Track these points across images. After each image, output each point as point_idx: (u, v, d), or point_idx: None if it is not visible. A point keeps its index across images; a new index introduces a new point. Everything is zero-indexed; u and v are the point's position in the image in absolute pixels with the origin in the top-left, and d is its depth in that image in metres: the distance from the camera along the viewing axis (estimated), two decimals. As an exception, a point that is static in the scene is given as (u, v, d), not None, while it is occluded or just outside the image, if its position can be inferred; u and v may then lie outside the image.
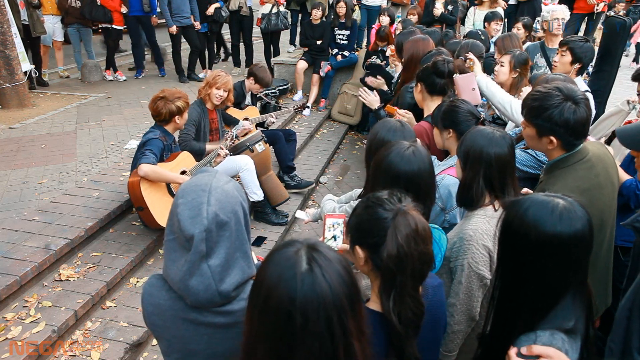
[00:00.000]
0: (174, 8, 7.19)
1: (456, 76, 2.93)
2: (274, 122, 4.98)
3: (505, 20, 6.61)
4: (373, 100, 3.43)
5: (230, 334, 1.30)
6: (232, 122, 4.58)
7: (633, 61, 11.74)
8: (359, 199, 1.97)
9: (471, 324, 1.85)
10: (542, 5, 7.41)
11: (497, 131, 1.89)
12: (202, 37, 7.85)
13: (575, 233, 1.24)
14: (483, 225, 1.81)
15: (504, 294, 1.38)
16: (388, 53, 5.22)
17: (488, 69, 3.90)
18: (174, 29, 7.26)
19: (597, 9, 7.91)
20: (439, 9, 6.78)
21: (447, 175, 2.23)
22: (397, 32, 5.80)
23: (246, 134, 4.31)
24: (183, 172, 3.59)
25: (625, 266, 1.97)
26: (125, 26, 7.46)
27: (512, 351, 1.24)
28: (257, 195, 4.22)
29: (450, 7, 6.85)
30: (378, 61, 5.73)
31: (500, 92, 2.95)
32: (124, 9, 7.20)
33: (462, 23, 7.19)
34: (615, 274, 2.25)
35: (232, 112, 4.80)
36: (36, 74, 6.94)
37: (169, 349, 1.38)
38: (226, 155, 3.81)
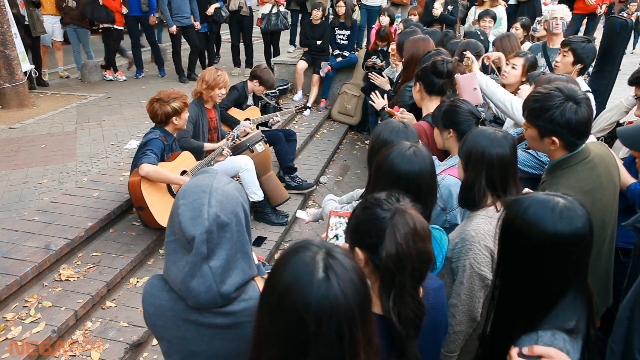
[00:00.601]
0: (174, 8, 7.19)
1: (457, 76, 2.93)
2: (279, 122, 4.97)
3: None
4: (380, 102, 3.45)
5: (231, 334, 1.30)
6: (233, 122, 4.57)
7: None
8: (360, 199, 1.97)
9: (473, 325, 1.85)
10: (542, 6, 7.41)
11: (499, 131, 1.88)
12: (202, 37, 7.85)
13: (575, 232, 1.24)
14: (485, 226, 1.81)
15: (504, 294, 1.38)
16: (390, 50, 5.21)
17: (485, 69, 3.90)
18: (174, 28, 7.26)
19: (599, 12, 7.91)
20: (438, 9, 6.78)
21: (448, 175, 2.22)
22: (398, 32, 5.79)
23: (247, 134, 4.31)
24: (184, 172, 3.59)
25: (625, 267, 1.97)
26: (125, 26, 7.46)
27: (514, 351, 1.24)
28: (257, 195, 4.22)
29: (450, 7, 6.85)
30: (378, 61, 5.72)
31: (500, 91, 2.95)
32: (124, 10, 7.20)
33: (462, 23, 7.19)
34: (616, 274, 2.25)
35: (234, 112, 4.79)
36: (36, 74, 6.94)
37: (170, 349, 1.37)
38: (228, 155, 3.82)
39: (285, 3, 7.96)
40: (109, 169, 4.41)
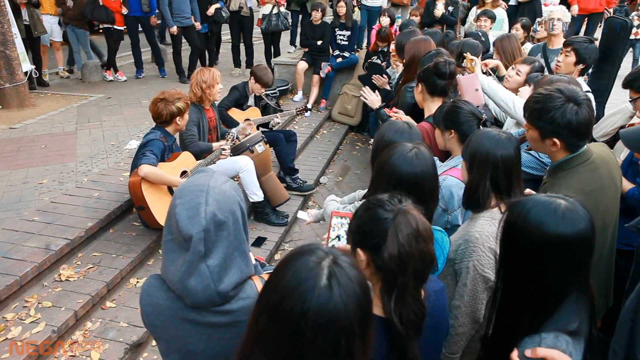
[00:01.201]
0: (174, 8, 7.20)
1: (459, 77, 2.93)
2: (279, 123, 4.96)
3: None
4: (374, 100, 3.43)
5: (229, 333, 1.30)
6: (231, 124, 4.57)
7: None
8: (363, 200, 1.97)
9: (475, 327, 1.84)
10: (543, 7, 7.41)
11: (503, 133, 1.88)
12: (203, 38, 7.84)
13: (577, 233, 1.23)
14: (489, 228, 1.81)
15: (506, 295, 1.37)
16: (391, 51, 5.21)
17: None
18: (174, 29, 7.26)
19: (608, 15, 7.90)
20: (439, 9, 6.78)
21: (449, 176, 2.22)
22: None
23: (246, 134, 4.30)
24: (184, 172, 3.59)
25: (623, 269, 1.97)
26: (125, 27, 7.46)
27: (514, 354, 1.23)
28: (257, 195, 4.22)
29: (450, 8, 6.85)
30: (379, 62, 5.72)
31: (502, 90, 2.95)
32: (124, 10, 7.19)
33: (463, 24, 7.19)
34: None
35: (234, 113, 4.79)
36: (36, 74, 6.93)
37: (168, 349, 1.37)
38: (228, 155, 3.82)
39: (285, 4, 7.96)
40: (109, 169, 4.41)
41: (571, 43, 3.43)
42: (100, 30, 7.58)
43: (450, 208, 2.16)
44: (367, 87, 3.58)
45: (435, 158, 2.04)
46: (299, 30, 7.97)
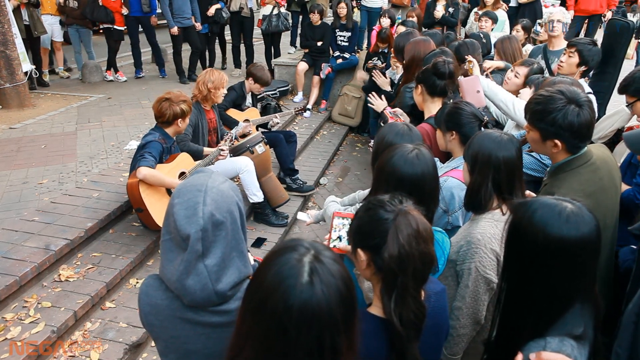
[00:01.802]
0: (175, 9, 7.19)
1: (460, 78, 2.92)
2: (278, 124, 4.96)
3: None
4: (380, 104, 3.43)
5: (227, 333, 1.28)
6: (231, 123, 4.57)
7: None
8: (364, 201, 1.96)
9: (476, 328, 1.84)
10: (543, 8, 7.42)
11: (504, 135, 1.88)
12: (203, 38, 7.84)
13: (582, 237, 1.23)
14: (491, 229, 1.80)
15: (510, 297, 1.37)
16: (391, 52, 5.21)
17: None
18: (175, 29, 7.26)
19: (605, 18, 7.91)
20: (440, 11, 6.79)
21: (450, 177, 2.22)
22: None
23: (246, 135, 4.30)
24: (182, 174, 3.58)
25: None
26: (125, 27, 7.46)
27: (519, 357, 1.22)
28: (257, 196, 4.21)
29: (451, 10, 6.85)
30: (379, 63, 5.72)
31: (502, 92, 2.95)
32: (124, 10, 7.19)
33: (463, 25, 7.20)
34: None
35: (233, 113, 4.79)
36: (36, 74, 6.93)
37: (166, 349, 1.37)
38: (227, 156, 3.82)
39: (286, 4, 7.96)
40: (109, 170, 4.40)
41: (575, 44, 3.42)
42: (101, 31, 7.57)
43: (451, 209, 2.16)
44: (373, 92, 3.58)
45: (436, 159, 2.04)
46: (299, 31, 7.97)
